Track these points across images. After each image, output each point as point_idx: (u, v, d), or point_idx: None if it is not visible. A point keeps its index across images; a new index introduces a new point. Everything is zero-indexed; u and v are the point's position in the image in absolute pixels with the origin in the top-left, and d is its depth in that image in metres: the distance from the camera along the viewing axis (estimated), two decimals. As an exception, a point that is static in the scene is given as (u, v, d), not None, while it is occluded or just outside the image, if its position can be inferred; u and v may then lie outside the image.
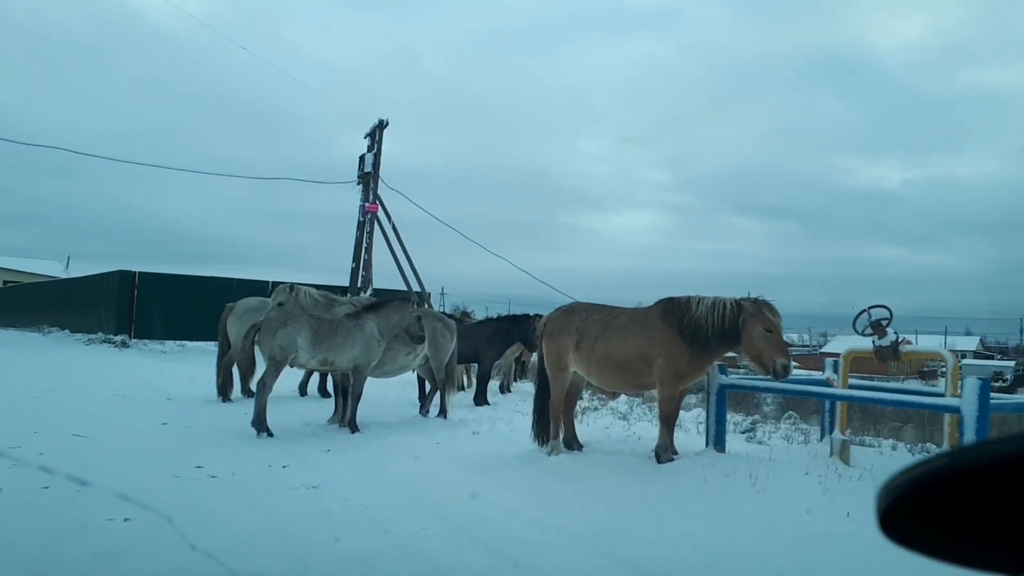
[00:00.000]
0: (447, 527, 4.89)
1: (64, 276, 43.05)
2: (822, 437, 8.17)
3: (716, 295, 6.86)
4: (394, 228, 24.88)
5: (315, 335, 8.31)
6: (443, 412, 9.60)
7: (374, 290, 24.55)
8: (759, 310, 6.53)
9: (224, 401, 10.79)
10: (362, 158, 25.27)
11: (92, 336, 23.71)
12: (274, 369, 8.34)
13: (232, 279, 23.97)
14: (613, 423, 9.56)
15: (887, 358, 7.11)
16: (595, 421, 9.61)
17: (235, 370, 11.32)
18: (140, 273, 23.58)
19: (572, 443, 7.61)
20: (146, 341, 22.68)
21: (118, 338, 22.51)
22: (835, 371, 7.82)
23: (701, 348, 6.66)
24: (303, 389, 11.93)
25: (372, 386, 9.07)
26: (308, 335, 8.28)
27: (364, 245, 25.12)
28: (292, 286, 9.93)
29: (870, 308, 7.22)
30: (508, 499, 5.56)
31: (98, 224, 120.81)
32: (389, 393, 11.13)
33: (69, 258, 60.70)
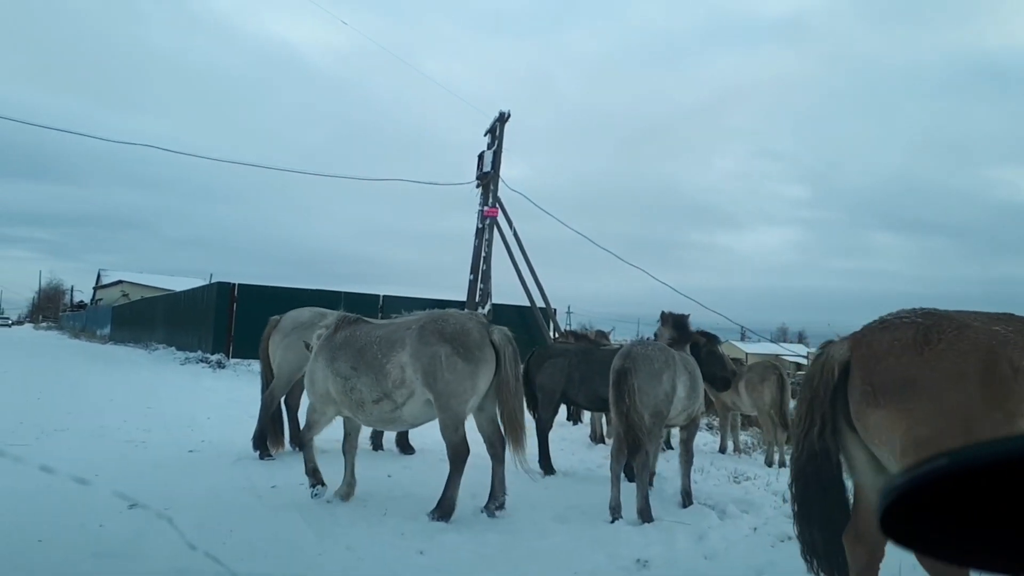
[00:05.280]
0: None
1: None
2: None
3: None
4: (515, 235, 21.77)
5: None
6: (493, 500, 5.41)
7: (493, 305, 21.57)
8: None
9: (263, 458, 7.25)
10: (481, 156, 22.33)
11: (190, 354, 21.82)
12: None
13: (339, 292, 21.44)
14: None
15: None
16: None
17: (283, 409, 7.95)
18: (239, 285, 21.45)
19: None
20: (244, 361, 20.38)
21: (214, 357, 20.40)
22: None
23: None
24: (377, 441, 8.24)
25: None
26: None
27: (483, 254, 22.06)
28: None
29: None
30: None
31: (247, 244, 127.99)
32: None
33: (212, 276, 61.79)
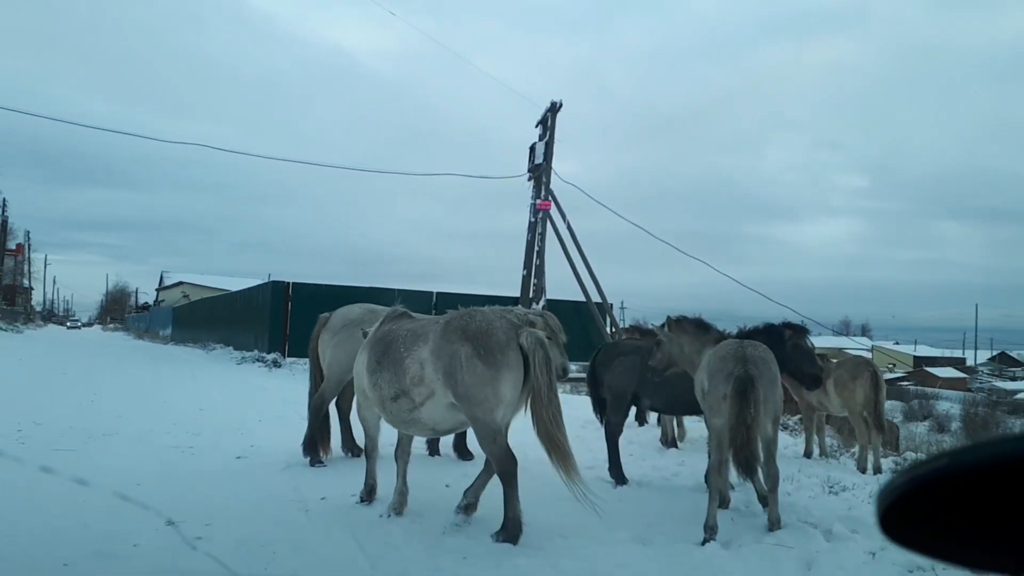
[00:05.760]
0: None
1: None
2: None
3: None
4: (569, 228, 21.18)
5: None
6: (505, 529, 4.58)
7: (547, 301, 20.97)
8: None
9: (314, 464, 6.77)
10: (532, 148, 21.76)
11: (247, 354, 21.83)
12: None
13: (394, 289, 21.14)
14: None
15: None
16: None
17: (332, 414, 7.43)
18: (294, 284, 21.33)
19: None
20: (300, 360, 20.28)
21: (270, 357, 20.33)
22: None
23: None
24: (433, 446, 7.63)
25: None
26: None
27: (536, 249, 21.49)
28: None
29: None
30: None
31: (303, 246, 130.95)
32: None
33: (269, 276, 62.76)
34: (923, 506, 0.70)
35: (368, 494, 5.35)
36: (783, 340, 5.93)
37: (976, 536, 0.70)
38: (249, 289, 26.36)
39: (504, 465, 4.64)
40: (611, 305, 22.85)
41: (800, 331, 6.17)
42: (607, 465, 6.63)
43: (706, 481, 6.25)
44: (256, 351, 21.52)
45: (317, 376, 7.32)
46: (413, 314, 5.56)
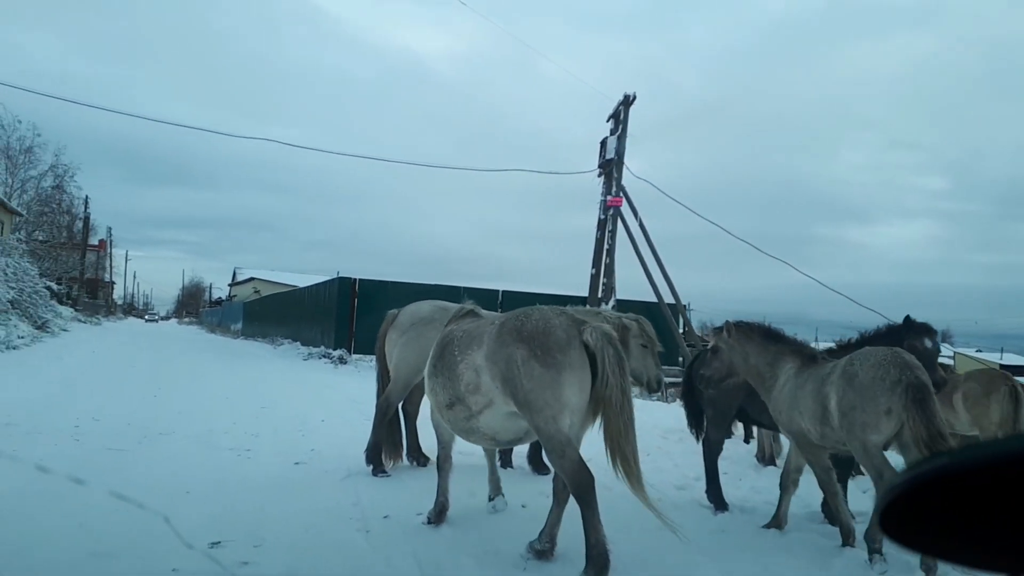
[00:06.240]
0: None
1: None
2: None
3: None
4: (641, 226, 20.26)
5: None
6: (591, 561, 3.84)
7: (617, 301, 20.14)
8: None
9: (376, 474, 6.19)
10: (603, 143, 20.96)
11: (313, 350, 21.73)
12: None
13: (459, 287, 20.69)
14: None
15: None
16: None
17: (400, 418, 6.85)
18: (360, 280, 21.13)
19: None
20: (366, 357, 20.06)
21: (336, 353, 20.15)
22: None
23: None
24: (506, 457, 6.90)
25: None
26: None
27: (605, 247, 20.69)
28: None
29: None
30: None
31: (371, 244, 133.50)
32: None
33: (338, 273, 63.60)
34: (924, 505, 0.69)
35: (438, 515, 4.74)
36: (900, 341, 5.05)
37: (976, 536, 0.69)
38: (316, 285, 26.33)
39: (578, 482, 3.93)
40: (684, 306, 21.86)
41: (921, 331, 5.26)
42: (702, 486, 5.85)
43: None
44: (322, 347, 21.41)
45: (384, 377, 6.74)
46: (482, 312, 4.91)
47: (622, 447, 3.90)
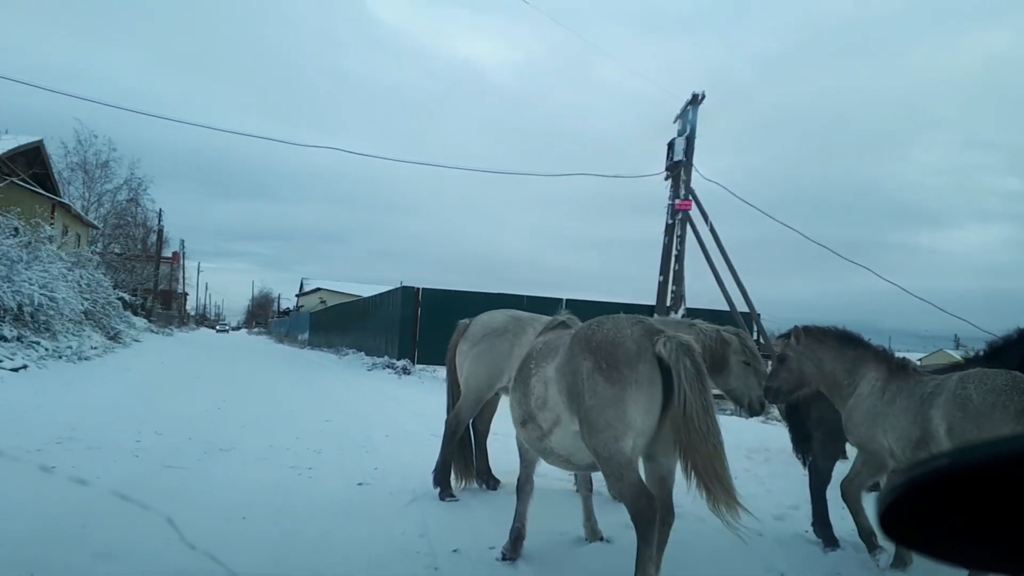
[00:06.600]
0: None
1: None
2: None
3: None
4: (712, 230, 19.48)
5: None
6: None
7: (687, 309, 19.36)
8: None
9: (444, 498, 5.69)
10: (671, 145, 20.23)
11: (377, 360, 21.66)
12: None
13: (521, 295, 20.27)
14: None
15: None
16: None
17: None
18: (423, 290, 20.94)
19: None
20: (430, 368, 19.83)
21: (400, 363, 19.99)
22: None
23: None
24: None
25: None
26: None
27: (674, 253, 19.95)
28: None
29: None
30: None
31: (433, 254, 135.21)
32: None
33: (401, 282, 64.23)
34: (924, 506, 0.69)
35: (513, 547, 4.25)
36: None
37: (976, 536, 0.69)
38: (380, 295, 26.35)
39: (638, 509, 3.44)
40: (759, 315, 20.91)
41: None
42: (802, 515, 5.21)
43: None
44: (386, 357, 21.33)
45: (455, 391, 6.29)
46: (576, 323, 4.39)
47: (717, 472, 3.35)
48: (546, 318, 5.84)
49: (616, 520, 5.17)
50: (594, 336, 3.69)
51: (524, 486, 4.39)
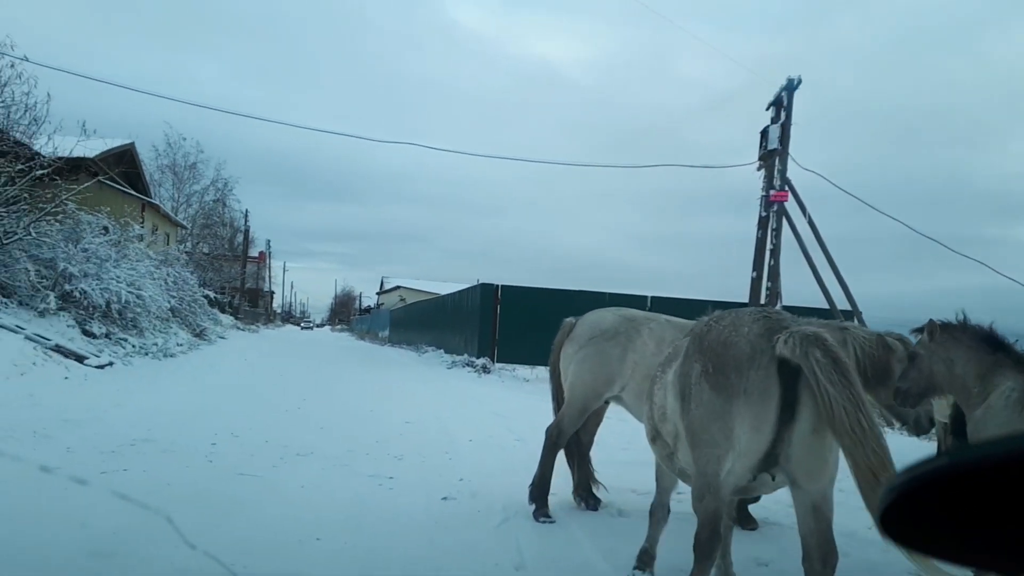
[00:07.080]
0: None
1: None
2: None
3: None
4: (811, 223, 18.21)
5: None
6: None
7: (783, 307, 18.14)
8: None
9: (540, 518, 5.03)
10: (764, 132, 18.97)
11: (456, 358, 21.29)
12: None
13: (604, 293, 19.49)
14: None
15: None
16: None
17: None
18: (503, 287, 20.42)
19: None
20: (510, 367, 19.32)
21: (479, 361, 19.56)
22: None
23: None
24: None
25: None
26: None
27: (769, 247, 18.71)
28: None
29: None
30: None
31: (512, 253, 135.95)
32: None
33: (479, 280, 64.40)
34: (923, 506, 0.67)
35: (642, 557, 3.67)
36: None
37: (976, 536, 0.67)
38: (459, 292, 26.02)
39: (707, 535, 3.09)
40: (860, 313, 19.47)
41: None
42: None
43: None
44: (466, 355, 20.94)
45: (559, 396, 5.62)
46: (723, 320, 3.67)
47: (877, 478, 2.61)
48: (664, 317, 5.10)
49: (741, 551, 4.41)
50: (707, 335, 3.14)
51: (656, 511, 3.86)
